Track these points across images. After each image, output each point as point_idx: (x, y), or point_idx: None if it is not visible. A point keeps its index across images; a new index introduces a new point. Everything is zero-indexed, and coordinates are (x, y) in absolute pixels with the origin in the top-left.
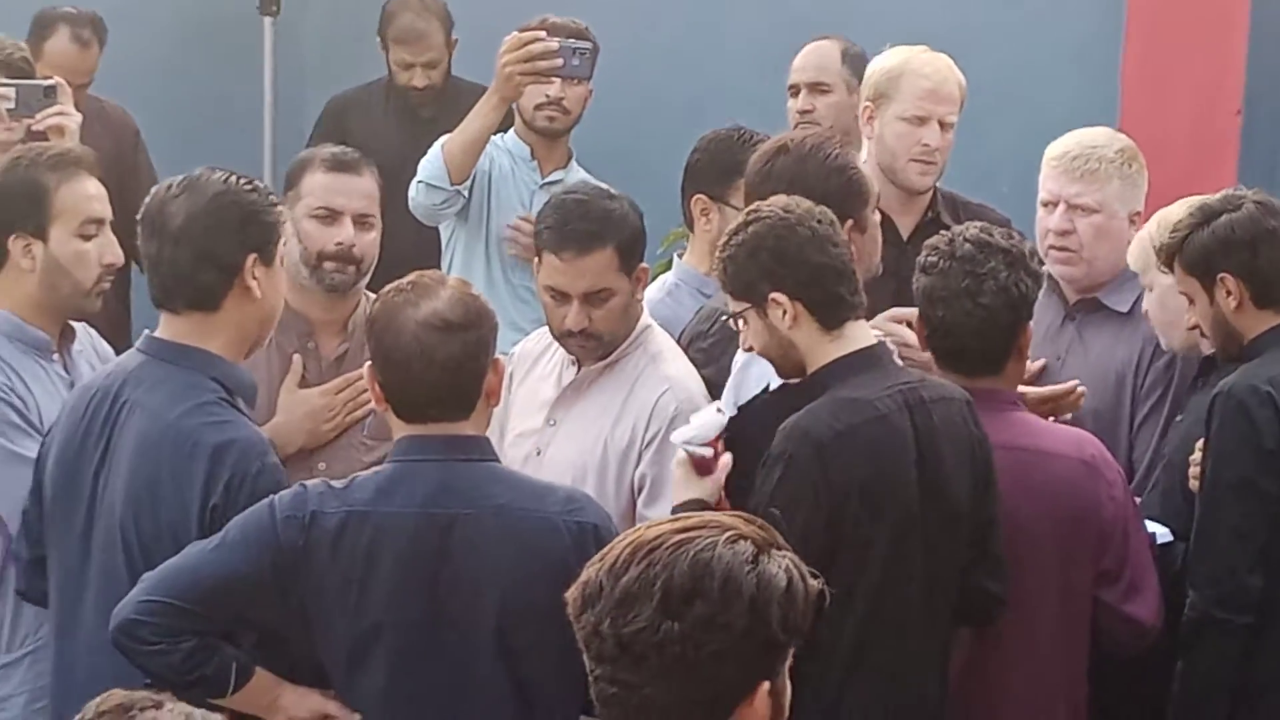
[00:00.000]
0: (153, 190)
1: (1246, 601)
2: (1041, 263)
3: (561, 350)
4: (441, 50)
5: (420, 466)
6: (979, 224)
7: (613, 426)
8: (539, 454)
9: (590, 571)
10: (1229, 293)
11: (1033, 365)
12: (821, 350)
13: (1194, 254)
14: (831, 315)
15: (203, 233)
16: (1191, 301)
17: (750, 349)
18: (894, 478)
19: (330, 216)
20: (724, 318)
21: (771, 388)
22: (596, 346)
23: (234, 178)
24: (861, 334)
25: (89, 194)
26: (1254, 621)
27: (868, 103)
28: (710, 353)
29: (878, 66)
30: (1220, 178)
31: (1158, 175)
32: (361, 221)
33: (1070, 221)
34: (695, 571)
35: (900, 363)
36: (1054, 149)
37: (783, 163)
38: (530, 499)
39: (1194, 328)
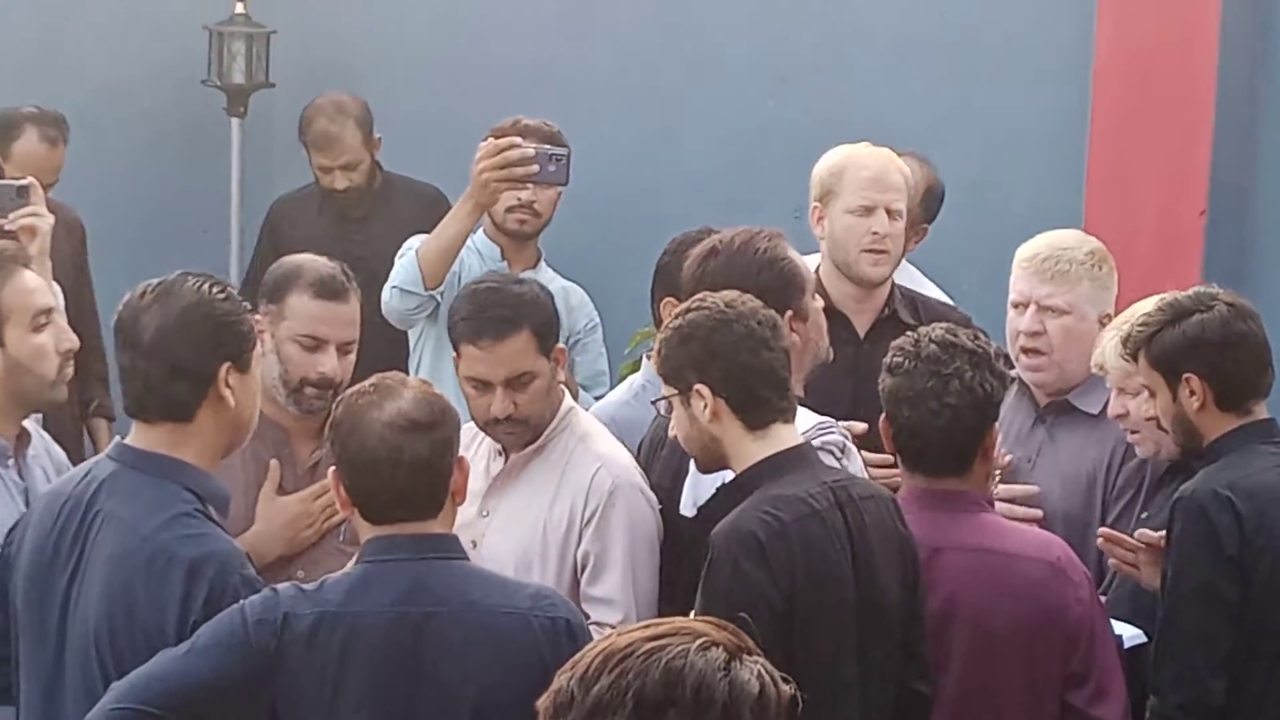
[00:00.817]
0: (126, 298)
1: (1209, 706)
2: (1009, 364)
3: (486, 440)
4: (359, 152)
5: (390, 566)
6: (944, 325)
7: (549, 509)
8: (474, 546)
9: (561, 680)
10: (1193, 393)
11: (1001, 459)
12: (745, 448)
13: (1161, 351)
14: (754, 416)
15: (175, 345)
16: (1152, 394)
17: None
18: (830, 575)
19: (315, 345)
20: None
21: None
22: (524, 431)
23: (207, 285)
24: (788, 435)
25: (30, 288)
26: None
27: (815, 204)
28: (668, 461)
29: (822, 167)
30: (1185, 278)
31: (1122, 275)
32: (344, 349)
33: (1041, 323)
34: (668, 680)
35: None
36: (1024, 250)
37: (713, 265)
38: (501, 595)
39: (1151, 419)
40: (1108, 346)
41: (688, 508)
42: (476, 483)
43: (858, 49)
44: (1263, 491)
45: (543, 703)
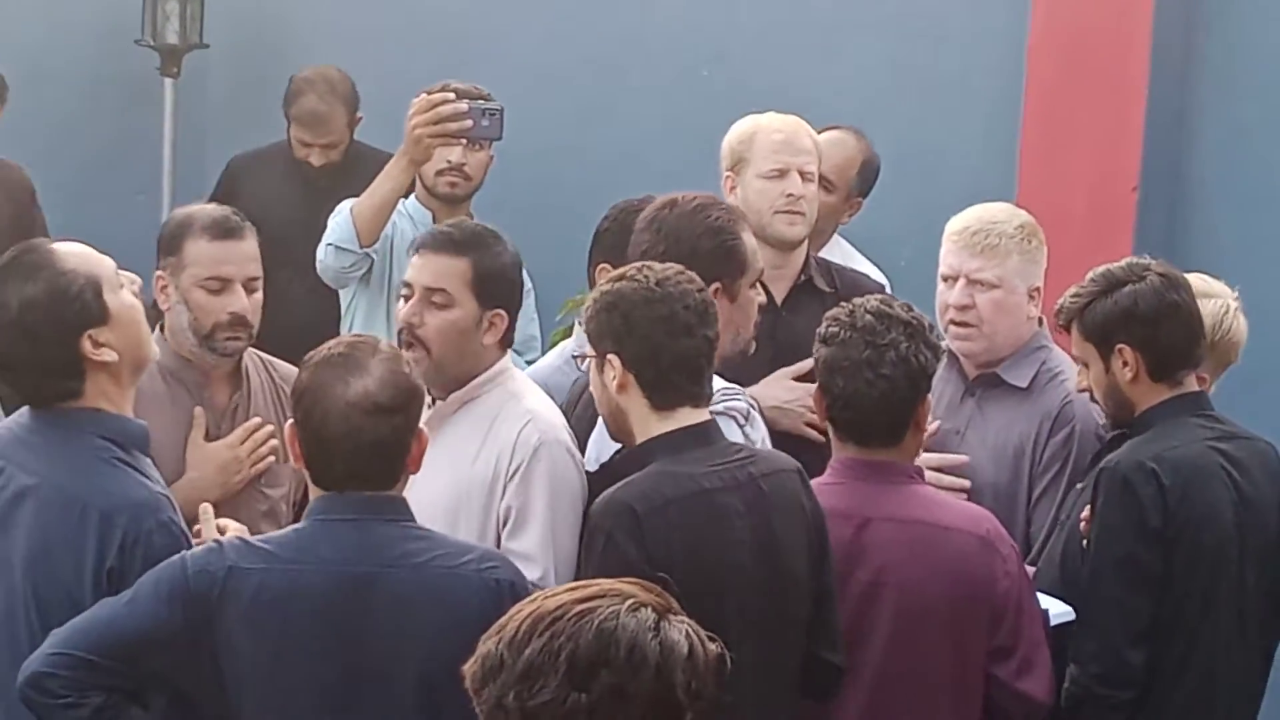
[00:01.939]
0: None
1: (1129, 677)
2: (940, 336)
3: None
4: (342, 133)
5: (339, 526)
6: (880, 296)
7: (472, 463)
8: None
9: (488, 645)
10: (1125, 363)
11: (930, 426)
12: (648, 425)
13: (1094, 322)
14: (660, 397)
15: (30, 357)
16: (1085, 366)
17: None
18: (718, 553)
19: (221, 286)
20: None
21: None
22: (423, 360)
23: (22, 287)
24: (694, 416)
25: None
26: (1135, 696)
27: (727, 173)
28: (581, 417)
29: (731, 136)
30: (1116, 252)
31: (1054, 250)
32: (250, 285)
33: (970, 296)
34: (600, 641)
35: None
36: (954, 224)
37: (667, 216)
38: (447, 557)
39: (1084, 390)
40: None
41: (591, 463)
42: None
43: (795, 23)
44: (1188, 465)
45: (470, 668)
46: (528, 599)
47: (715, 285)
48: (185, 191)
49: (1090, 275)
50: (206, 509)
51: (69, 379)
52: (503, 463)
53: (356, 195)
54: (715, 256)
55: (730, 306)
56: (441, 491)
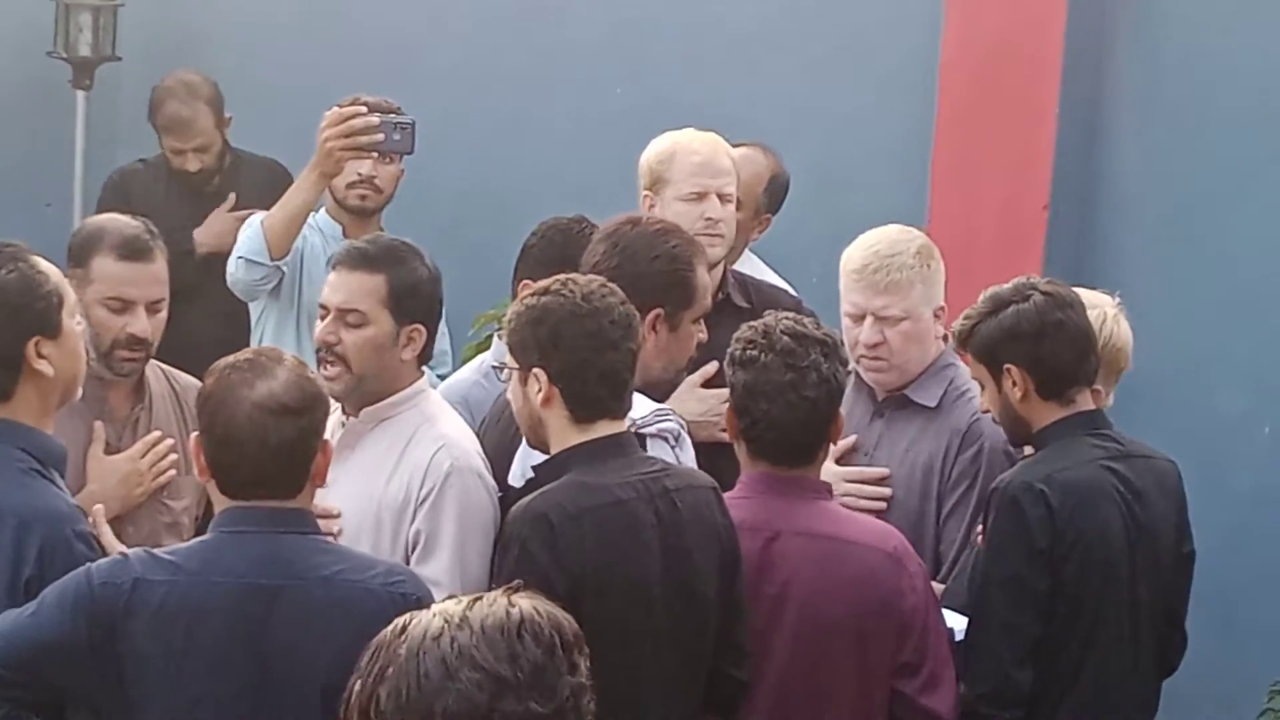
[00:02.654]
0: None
1: (1015, 696)
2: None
3: (335, 413)
4: (211, 134)
5: (245, 538)
6: (790, 314)
7: (386, 484)
8: None
9: (468, 675)
10: (1015, 383)
11: (844, 441)
12: (566, 435)
13: (982, 343)
14: (584, 410)
15: None
16: (983, 387)
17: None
18: (629, 564)
19: (123, 307)
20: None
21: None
22: (343, 377)
23: (2, 271)
24: (612, 428)
25: None
26: (1023, 715)
27: (646, 192)
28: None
29: (650, 154)
30: (1027, 270)
31: (965, 269)
32: (153, 308)
33: (880, 333)
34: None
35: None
36: (852, 262)
37: (626, 232)
38: (354, 570)
39: (986, 411)
40: None
41: (517, 479)
42: None
43: (709, 39)
44: (1079, 485)
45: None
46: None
47: (658, 311)
48: (95, 203)
49: (981, 296)
50: (99, 510)
51: (5, 375)
52: (414, 487)
53: (243, 199)
54: (665, 281)
55: (669, 335)
56: (353, 508)
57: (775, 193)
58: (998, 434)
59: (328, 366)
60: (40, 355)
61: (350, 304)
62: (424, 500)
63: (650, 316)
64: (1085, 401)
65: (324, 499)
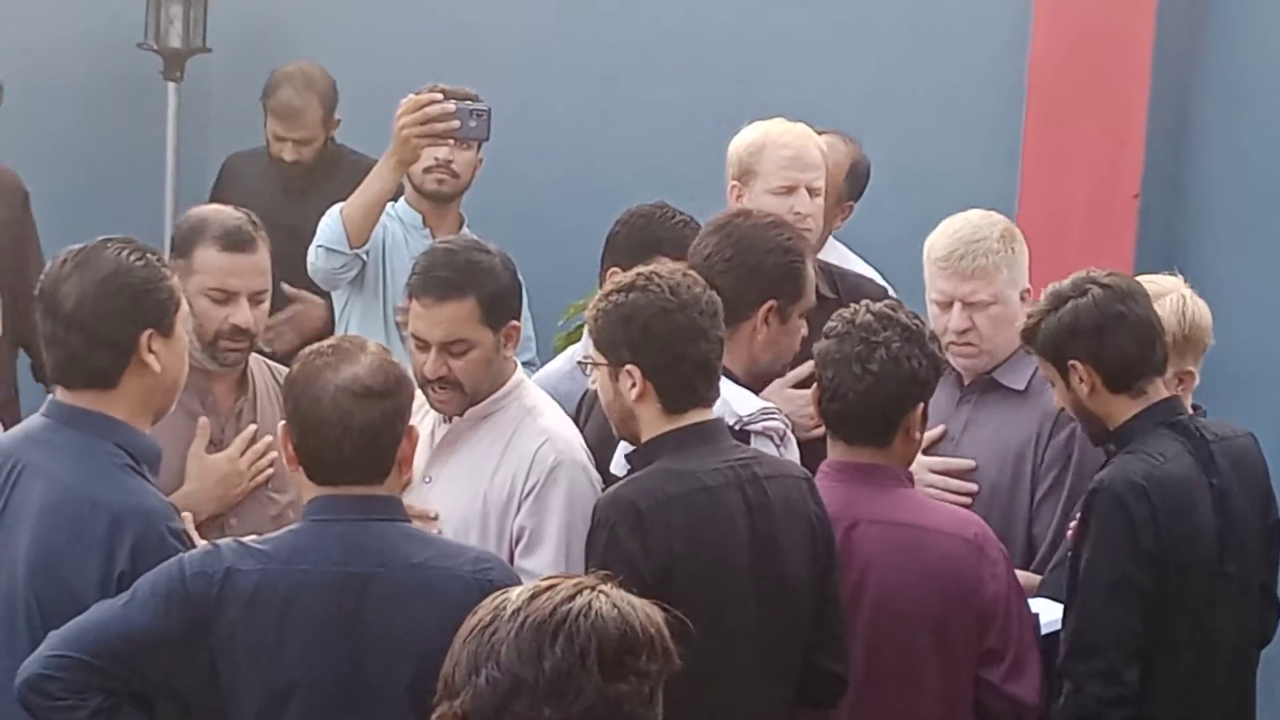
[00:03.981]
0: (47, 267)
1: (1125, 697)
2: (942, 349)
3: (432, 411)
4: (316, 129)
5: (334, 526)
6: (888, 301)
7: (490, 478)
8: None
9: (488, 671)
10: (1081, 379)
11: (932, 432)
12: (656, 425)
13: (1045, 341)
14: (677, 402)
15: (94, 316)
16: (1053, 384)
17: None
18: (717, 551)
19: (226, 298)
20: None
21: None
22: (457, 398)
23: (125, 252)
24: (701, 415)
25: None
26: (1131, 715)
27: (734, 182)
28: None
29: (739, 144)
30: (1117, 260)
31: (1056, 256)
32: (255, 298)
33: (969, 319)
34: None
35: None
36: (938, 250)
37: (739, 223)
38: (443, 558)
39: (1060, 409)
40: None
41: (619, 467)
42: (422, 450)
43: (798, 29)
44: (1175, 481)
45: (470, 700)
46: (485, 610)
47: (771, 303)
48: (187, 194)
49: (1043, 294)
50: (188, 518)
51: (114, 360)
52: (519, 481)
53: (332, 197)
54: (779, 273)
55: (779, 328)
56: (459, 505)
57: (856, 180)
58: None
59: (439, 391)
60: (150, 349)
61: (452, 336)
62: (529, 494)
63: (764, 308)
64: (1157, 391)
65: (428, 498)
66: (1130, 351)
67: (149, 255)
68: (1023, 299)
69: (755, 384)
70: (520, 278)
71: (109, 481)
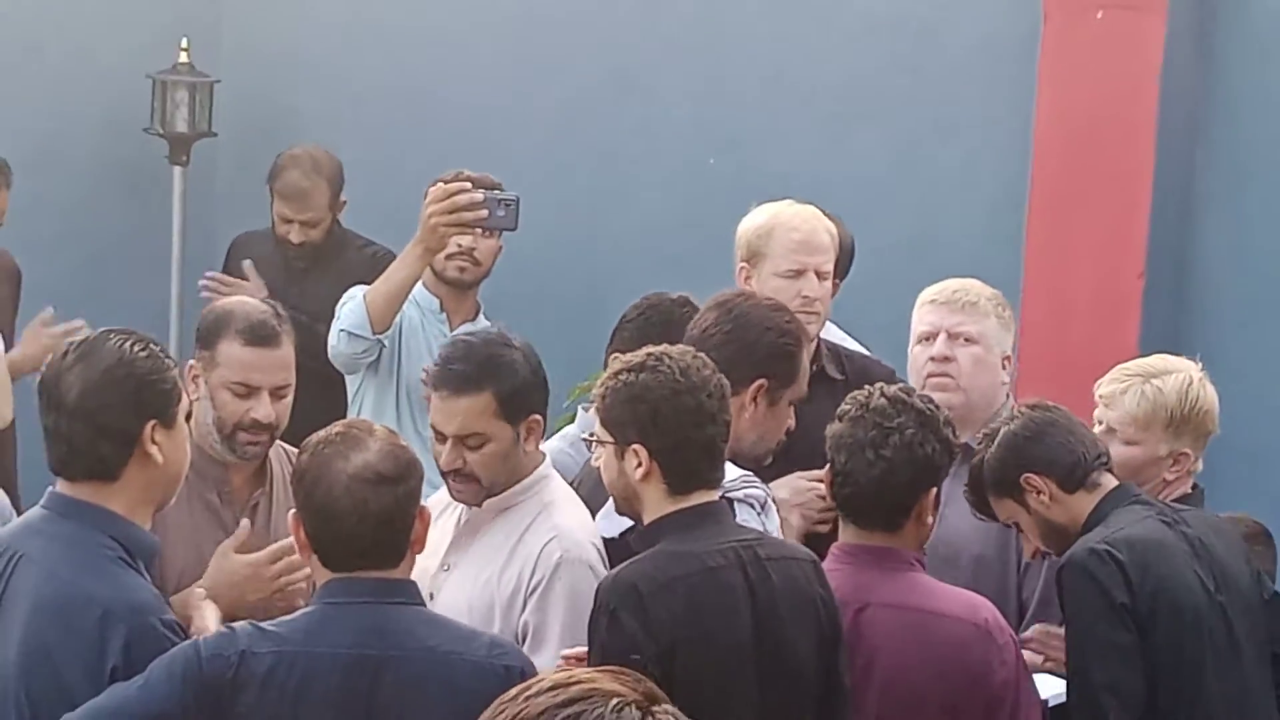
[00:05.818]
0: (49, 359)
1: None
2: (956, 434)
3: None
4: (323, 211)
5: (349, 609)
6: (901, 385)
7: (500, 572)
8: (432, 598)
9: None
10: (1039, 490)
11: None
12: (660, 506)
13: (993, 469)
14: (682, 483)
15: (97, 407)
16: (1020, 529)
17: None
18: (719, 632)
19: (248, 392)
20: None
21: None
22: (473, 489)
23: (128, 343)
24: (705, 497)
25: None
26: None
27: (742, 264)
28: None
29: (748, 226)
30: (1123, 341)
31: (1062, 336)
32: (278, 393)
33: (951, 350)
34: None
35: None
36: (929, 291)
37: (740, 302)
38: (458, 642)
39: (1034, 556)
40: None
41: (606, 529)
42: (446, 536)
43: (802, 111)
44: (1139, 541)
45: None
46: (506, 700)
47: (761, 382)
48: (193, 277)
49: (969, 442)
50: (203, 596)
51: (116, 451)
52: (524, 577)
53: (336, 278)
54: (773, 352)
55: (766, 410)
56: (472, 596)
57: (842, 260)
58: None
59: (455, 482)
60: (154, 440)
61: (466, 429)
62: (533, 590)
63: (754, 387)
64: (1110, 481)
65: (446, 585)
66: (1074, 447)
67: (152, 346)
68: (1003, 366)
69: (739, 462)
70: (544, 370)
71: (101, 575)
